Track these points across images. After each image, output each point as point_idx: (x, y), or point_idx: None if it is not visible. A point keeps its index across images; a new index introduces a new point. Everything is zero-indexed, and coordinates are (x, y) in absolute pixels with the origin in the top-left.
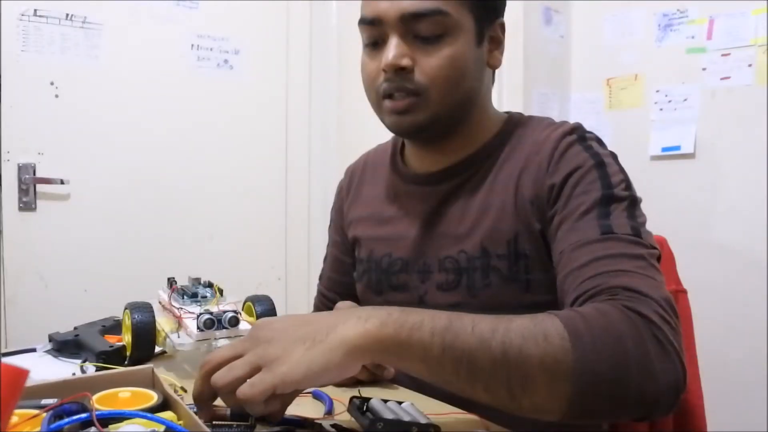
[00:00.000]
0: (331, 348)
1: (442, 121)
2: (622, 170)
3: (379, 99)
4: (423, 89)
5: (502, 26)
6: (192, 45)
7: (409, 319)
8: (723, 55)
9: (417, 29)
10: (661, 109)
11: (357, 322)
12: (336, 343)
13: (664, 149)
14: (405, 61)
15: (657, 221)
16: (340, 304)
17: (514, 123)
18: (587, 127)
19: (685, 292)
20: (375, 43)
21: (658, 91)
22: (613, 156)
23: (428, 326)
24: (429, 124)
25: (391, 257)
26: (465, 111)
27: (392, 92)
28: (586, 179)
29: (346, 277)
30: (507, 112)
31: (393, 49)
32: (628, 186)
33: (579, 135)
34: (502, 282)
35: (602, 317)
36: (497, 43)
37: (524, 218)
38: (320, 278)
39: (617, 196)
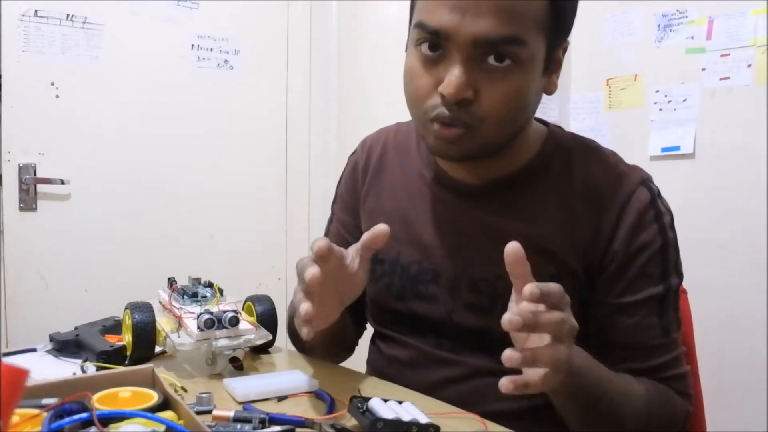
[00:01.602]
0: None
1: (490, 150)
2: (677, 246)
3: (426, 119)
4: (479, 121)
5: (566, 49)
6: (192, 45)
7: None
8: (722, 55)
9: (488, 55)
10: (660, 110)
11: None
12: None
13: (664, 149)
14: (468, 93)
15: None
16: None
17: (556, 141)
18: (587, 127)
19: (685, 292)
20: (431, 47)
21: (657, 92)
22: (672, 224)
23: (593, 384)
24: (477, 154)
25: (421, 265)
26: (513, 137)
27: (445, 120)
28: (653, 262)
29: None
30: (544, 123)
31: (457, 77)
32: (678, 268)
33: (650, 193)
34: None
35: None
36: (558, 65)
37: (570, 257)
38: None
39: (671, 290)
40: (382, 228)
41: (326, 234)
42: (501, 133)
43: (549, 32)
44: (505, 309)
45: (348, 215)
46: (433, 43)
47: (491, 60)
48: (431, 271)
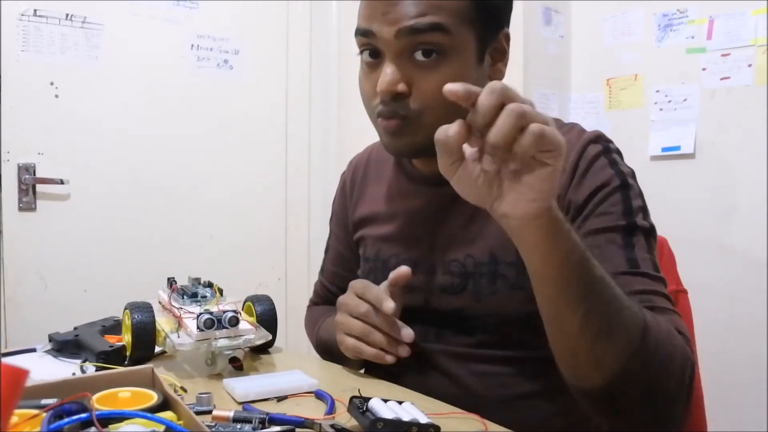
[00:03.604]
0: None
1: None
2: (640, 193)
3: (374, 119)
4: (417, 114)
5: (507, 37)
6: (192, 45)
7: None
8: (723, 55)
9: (414, 48)
10: (660, 110)
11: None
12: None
13: (664, 149)
14: (400, 87)
15: (657, 221)
16: (342, 299)
17: None
18: (587, 127)
19: (685, 292)
20: (371, 54)
21: (657, 92)
22: (633, 175)
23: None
24: (420, 147)
25: (398, 257)
26: None
27: (386, 115)
28: (610, 200)
29: (348, 272)
30: None
31: (387, 74)
32: (646, 214)
33: (603, 146)
34: (509, 289)
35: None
36: (501, 54)
37: None
38: (321, 270)
39: (639, 226)
40: (403, 270)
41: (326, 250)
42: (442, 123)
43: (477, 24)
44: (475, 287)
45: (340, 229)
46: (371, 50)
47: (419, 55)
48: (409, 261)
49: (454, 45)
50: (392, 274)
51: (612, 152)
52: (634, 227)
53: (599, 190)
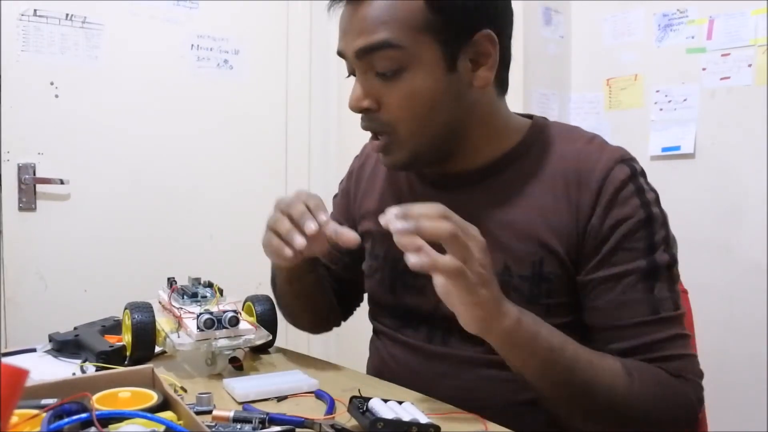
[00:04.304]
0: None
1: (425, 154)
2: (664, 221)
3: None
4: (391, 128)
5: (489, 37)
6: (192, 45)
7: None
8: (723, 55)
9: (374, 65)
10: (660, 110)
11: (509, 316)
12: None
13: (664, 149)
14: (366, 103)
15: None
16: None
17: (538, 131)
18: (587, 127)
19: (685, 292)
20: (350, 72)
21: (657, 92)
22: (657, 201)
23: (545, 343)
24: (411, 161)
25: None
26: (455, 137)
27: (368, 130)
28: (634, 236)
29: (335, 265)
30: (531, 117)
31: (354, 91)
32: (668, 244)
33: (630, 169)
34: (521, 303)
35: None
36: (486, 57)
37: (553, 241)
38: None
39: (660, 265)
40: (352, 236)
41: None
42: (420, 134)
43: (437, 33)
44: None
45: (341, 215)
46: (349, 69)
47: (378, 68)
48: None
49: (410, 59)
50: (345, 238)
51: (639, 176)
52: (656, 267)
53: (623, 222)
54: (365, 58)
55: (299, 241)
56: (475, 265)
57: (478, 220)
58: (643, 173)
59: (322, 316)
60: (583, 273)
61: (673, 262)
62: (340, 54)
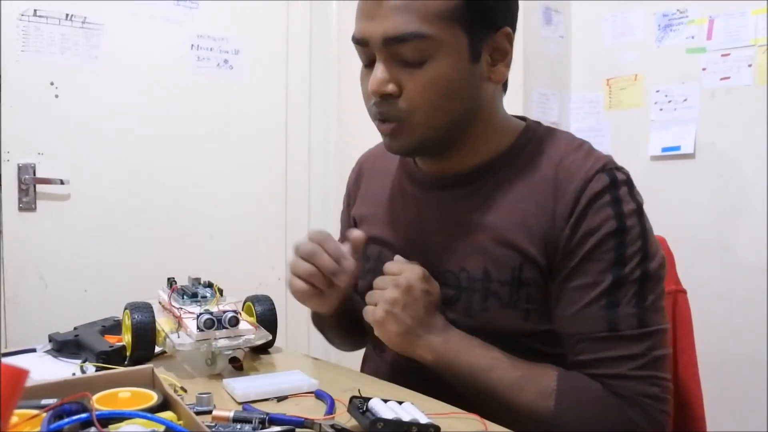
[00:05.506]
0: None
1: (432, 142)
2: (642, 233)
3: (374, 120)
4: (407, 115)
5: (508, 36)
6: (192, 45)
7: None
8: (723, 55)
9: (400, 53)
10: (660, 110)
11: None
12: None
13: (664, 149)
14: (390, 88)
15: (657, 221)
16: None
17: (529, 136)
18: (587, 127)
19: (684, 292)
20: (367, 59)
21: (657, 91)
22: (637, 212)
23: (467, 367)
24: (418, 146)
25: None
26: (460, 129)
27: (380, 117)
28: (602, 247)
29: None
30: (524, 120)
31: (377, 75)
32: (645, 258)
33: (611, 177)
34: (500, 307)
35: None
36: (503, 54)
37: (532, 249)
38: None
39: (627, 279)
40: (357, 234)
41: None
42: (433, 123)
43: (467, 23)
44: (468, 301)
45: (344, 225)
46: (365, 55)
47: (405, 56)
48: None
49: (440, 47)
50: (351, 239)
51: (619, 186)
52: (623, 281)
53: (594, 233)
54: (393, 46)
55: (342, 278)
56: (384, 306)
57: (463, 223)
58: (627, 183)
59: (361, 330)
60: (554, 282)
61: (647, 278)
62: (360, 41)
